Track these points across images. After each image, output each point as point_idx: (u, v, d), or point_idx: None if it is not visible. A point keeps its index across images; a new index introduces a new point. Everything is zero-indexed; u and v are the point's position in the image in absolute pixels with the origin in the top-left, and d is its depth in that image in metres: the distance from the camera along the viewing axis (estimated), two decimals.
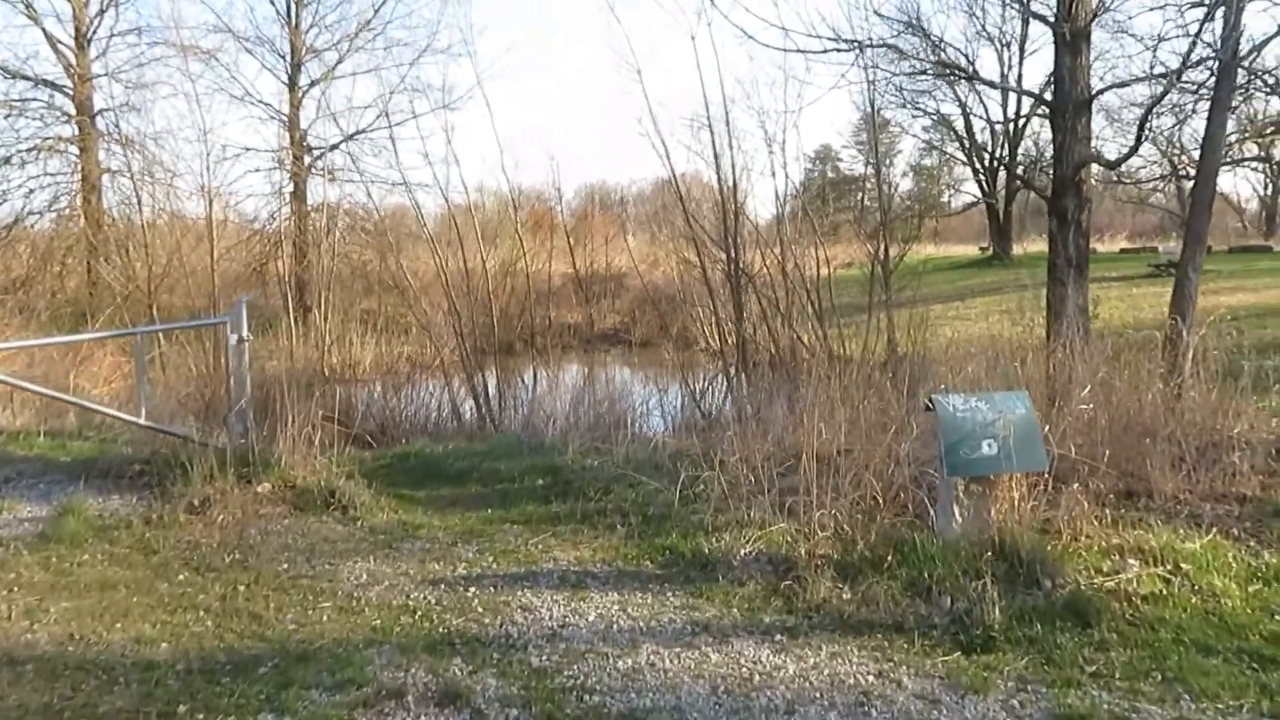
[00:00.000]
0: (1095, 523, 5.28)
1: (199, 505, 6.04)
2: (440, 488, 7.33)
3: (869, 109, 13.99)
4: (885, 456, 6.02)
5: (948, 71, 9.21)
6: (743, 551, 5.03)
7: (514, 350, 16.95)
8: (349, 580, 4.89)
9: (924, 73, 9.72)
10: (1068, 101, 8.57)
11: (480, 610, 4.47)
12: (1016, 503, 4.89)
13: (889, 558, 4.68)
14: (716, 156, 13.21)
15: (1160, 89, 8.20)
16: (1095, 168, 9.62)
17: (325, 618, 4.41)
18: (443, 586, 4.77)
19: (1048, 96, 9.10)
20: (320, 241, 22.23)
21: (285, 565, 5.13)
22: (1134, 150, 8.43)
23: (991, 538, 4.67)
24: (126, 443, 8.11)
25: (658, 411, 12.59)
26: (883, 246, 13.42)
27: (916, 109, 31.79)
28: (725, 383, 13.43)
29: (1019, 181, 10.31)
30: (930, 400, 4.81)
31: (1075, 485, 5.26)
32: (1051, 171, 8.84)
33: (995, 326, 20.04)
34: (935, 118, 35.53)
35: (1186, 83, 8.13)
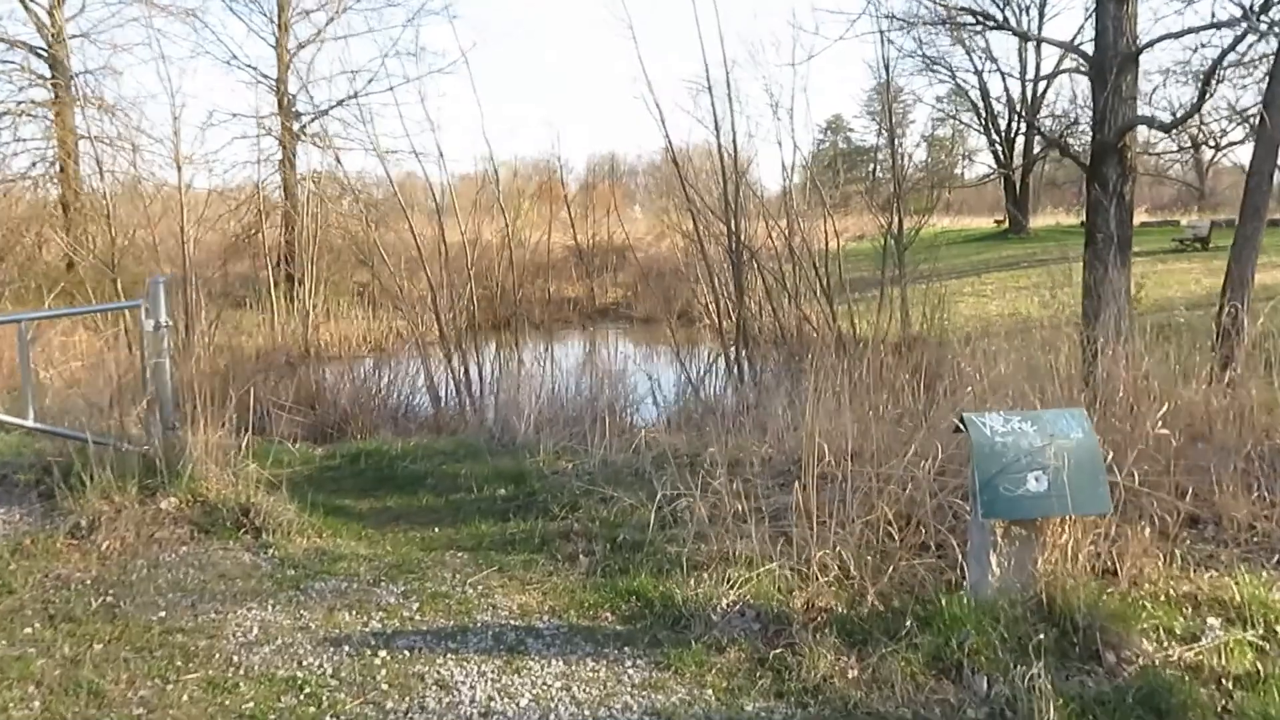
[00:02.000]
0: (1160, 560, 4.30)
1: (85, 527, 5.08)
2: (387, 497, 6.38)
3: (883, 71, 12.91)
4: (901, 474, 5.05)
5: (974, 20, 8.16)
6: (724, 601, 4.06)
7: (509, 326, 15.99)
8: (234, 637, 3.93)
9: (944, 22, 8.64)
10: (1112, 55, 7.49)
11: (386, 687, 3.50)
12: (1069, 549, 3.89)
13: (907, 619, 3.70)
14: (717, 121, 12.17)
15: (1232, 36, 7.09)
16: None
17: (186, 696, 3.45)
18: (346, 649, 3.81)
19: (1088, 51, 7.99)
20: (304, 211, 21.26)
21: (163, 613, 4.17)
22: (1195, 110, 7.35)
23: (1038, 595, 3.69)
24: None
25: (653, 396, 11.61)
26: (896, 219, 12.38)
27: (933, 70, 30.56)
28: (725, 365, 12.45)
29: (1057, 149, 9.24)
30: (961, 420, 3.80)
31: (1142, 524, 4.25)
32: (1091, 136, 7.76)
33: (1014, 304, 19.03)
34: (951, 83, 34.29)
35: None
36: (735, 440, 7.18)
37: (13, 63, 21.56)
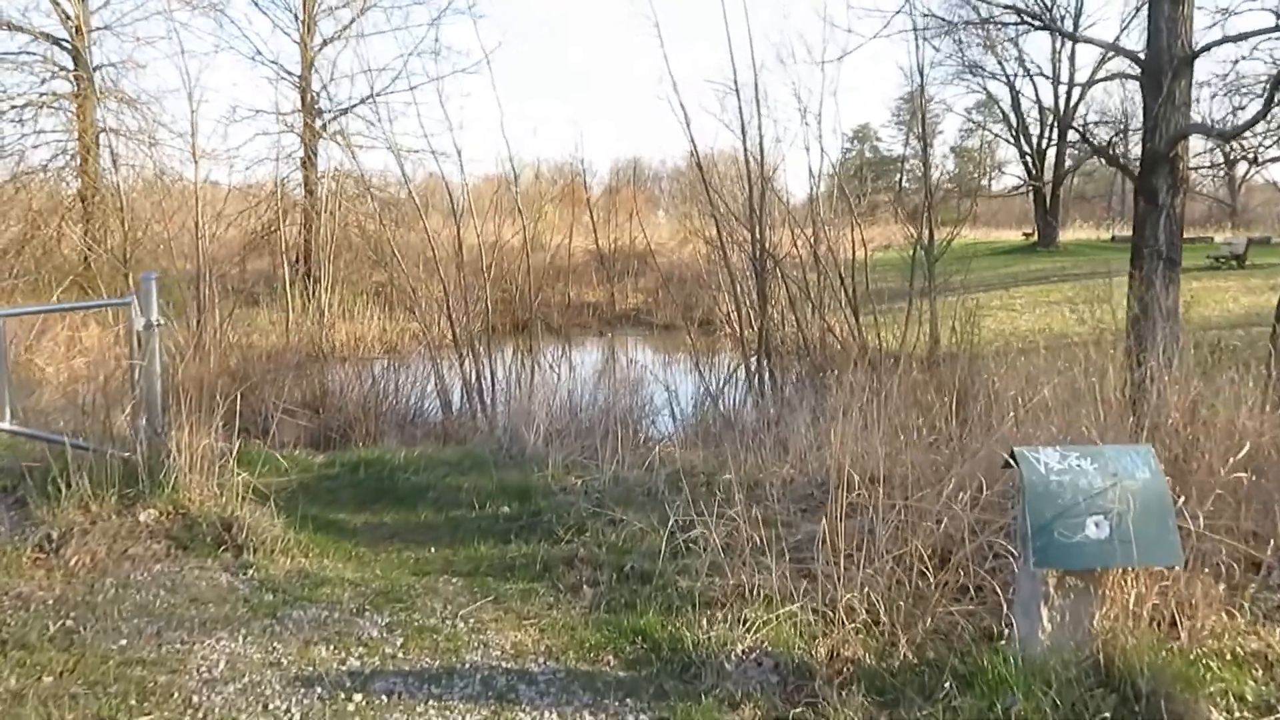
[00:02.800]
0: (1223, 612, 3.87)
1: (56, 540, 4.74)
2: (384, 512, 6.02)
3: (916, 76, 12.45)
4: (936, 507, 4.63)
5: (1017, 19, 7.70)
6: (740, 648, 3.66)
7: (529, 330, 15.59)
8: (198, 672, 3.57)
9: (986, 22, 8.19)
10: (1165, 59, 7.05)
11: None
12: (1130, 605, 3.47)
13: (945, 677, 3.29)
14: (744, 123, 11.76)
15: None
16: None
17: None
18: (319, 691, 3.43)
19: (1139, 54, 7.53)
20: (323, 209, 21.08)
21: (124, 641, 3.81)
22: (1260, 118, 6.87)
23: (1094, 655, 3.27)
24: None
25: (671, 406, 11.21)
26: (927, 229, 11.93)
27: (970, 75, 30.12)
28: (745, 376, 12.03)
29: (1104, 158, 8.65)
30: (1012, 455, 3.38)
31: (1206, 572, 3.83)
32: (1142, 145, 7.32)
33: (1045, 319, 18.50)
34: (983, 92, 33.83)
35: None
36: (755, 458, 6.81)
37: (35, 54, 21.43)
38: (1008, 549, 3.89)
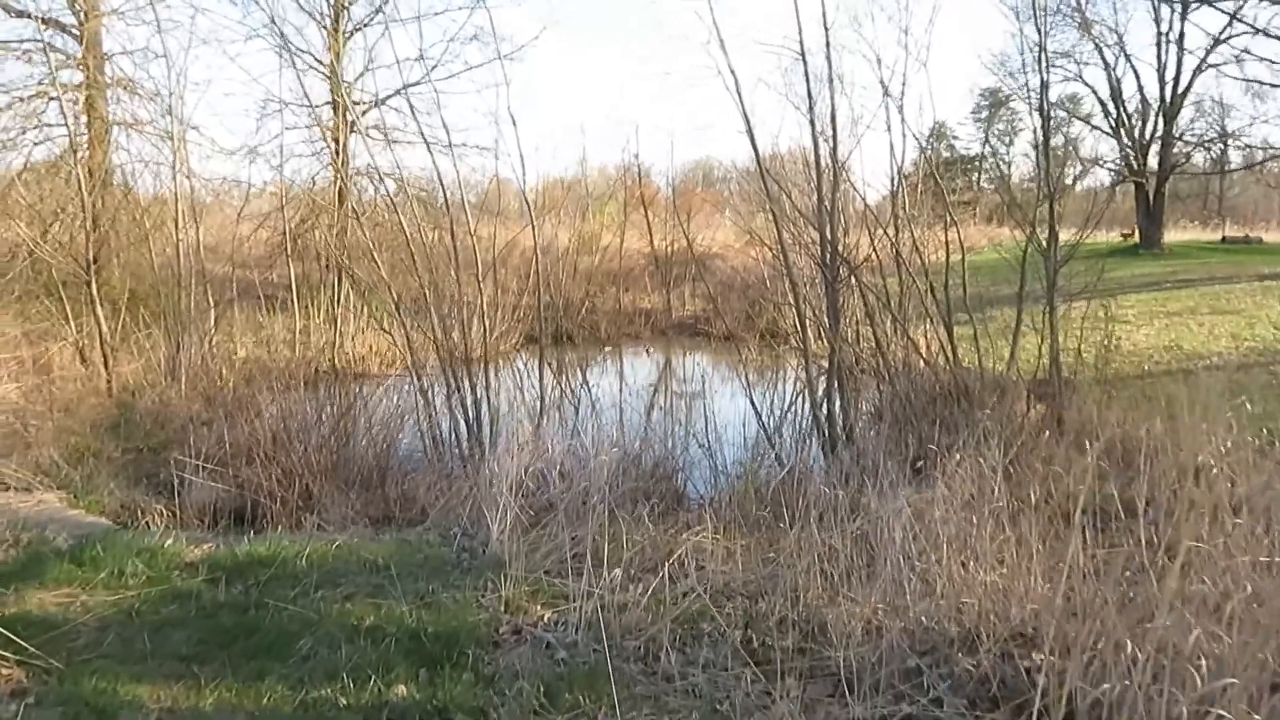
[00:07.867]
0: None
1: None
2: (213, 684, 3.67)
3: (1033, 33, 9.78)
4: None
5: None
6: None
7: (573, 342, 13.11)
8: None
9: None
10: None
11: None
12: None
13: None
14: (811, 96, 9.22)
15: None
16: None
17: None
18: None
19: None
20: (337, 209, 19.13)
21: None
22: None
23: None
24: None
25: (712, 458, 8.70)
26: (1049, 228, 9.30)
27: (1059, 64, 27.06)
28: (810, 413, 9.47)
29: None
30: None
31: None
32: None
33: (1166, 334, 15.47)
34: (1079, 78, 30.78)
35: None
36: (825, 572, 4.39)
37: (39, 41, 19.81)
38: None
